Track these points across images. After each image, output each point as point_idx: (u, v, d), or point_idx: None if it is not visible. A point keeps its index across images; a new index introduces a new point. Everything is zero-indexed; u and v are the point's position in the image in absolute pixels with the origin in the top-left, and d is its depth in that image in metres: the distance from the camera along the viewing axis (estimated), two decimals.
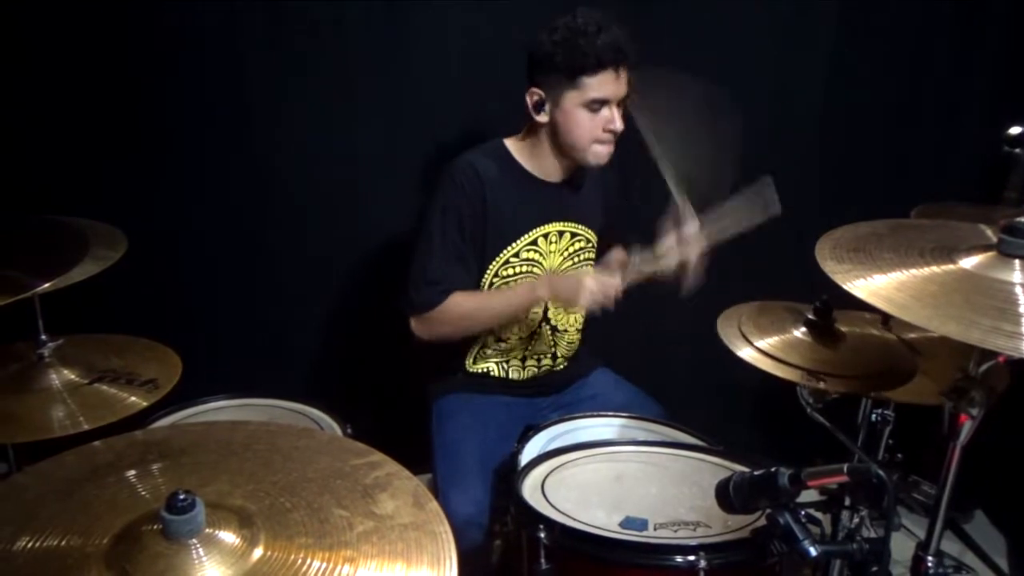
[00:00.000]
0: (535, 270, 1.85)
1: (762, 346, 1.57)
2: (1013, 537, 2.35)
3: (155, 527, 0.82)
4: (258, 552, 0.84)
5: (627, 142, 1.75)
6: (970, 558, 2.18)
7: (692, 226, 1.66)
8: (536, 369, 1.95)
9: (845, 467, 1.16)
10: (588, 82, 1.67)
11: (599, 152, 1.75)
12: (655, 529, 1.37)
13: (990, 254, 1.13)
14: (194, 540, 0.82)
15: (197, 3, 1.96)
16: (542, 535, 1.32)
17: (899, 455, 1.88)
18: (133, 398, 1.50)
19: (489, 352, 1.91)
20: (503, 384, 1.93)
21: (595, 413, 1.81)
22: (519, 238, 1.82)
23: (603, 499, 1.46)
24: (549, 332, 1.93)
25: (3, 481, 0.99)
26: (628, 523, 1.38)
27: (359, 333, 2.33)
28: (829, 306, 1.61)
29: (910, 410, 1.71)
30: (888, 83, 2.41)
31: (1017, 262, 1.10)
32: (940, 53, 2.42)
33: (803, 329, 1.62)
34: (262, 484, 0.94)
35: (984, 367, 1.12)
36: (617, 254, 1.76)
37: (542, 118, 1.75)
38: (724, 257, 2.19)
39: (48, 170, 1.99)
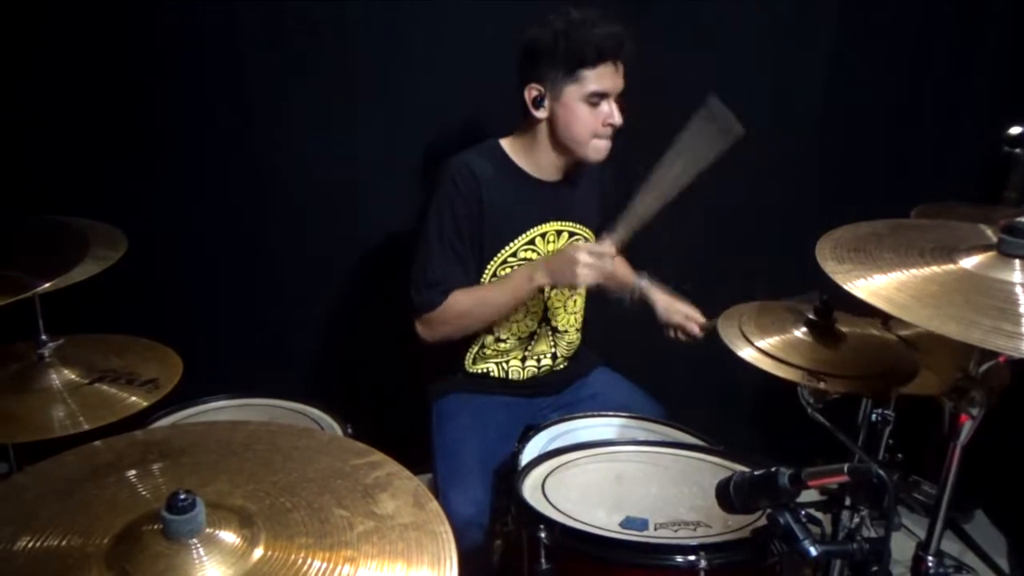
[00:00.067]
0: None
1: (762, 346, 1.57)
2: (1013, 537, 2.35)
3: (155, 527, 0.82)
4: (258, 552, 0.83)
5: (623, 135, 1.76)
6: (970, 558, 2.18)
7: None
8: (536, 369, 1.95)
9: (845, 467, 1.16)
10: (588, 75, 1.68)
11: (599, 147, 1.75)
12: (655, 529, 1.37)
13: (990, 254, 1.13)
14: (194, 540, 0.81)
15: (197, 3, 1.96)
16: (543, 535, 1.32)
17: (899, 455, 1.88)
18: (133, 398, 1.49)
19: (488, 352, 1.91)
20: (503, 384, 1.93)
21: (595, 413, 1.81)
22: (516, 238, 1.82)
23: (603, 499, 1.46)
24: (549, 333, 1.93)
25: (3, 481, 0.99)
26: (628, 523, 1.38)
27: (359, 333, 2.33)
28: (829, 306, 1.61)
29: (910, 410, 1.71)
30: (888, 83, 2.41)
31: (1017, 262, 1.10)
32: (940, 53, 2.42)
33: (803, 329, 1.62)
34: (262, 484, 0.94)
35: (984, 367, 1.12)
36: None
37: (541, 114, 1.75)
38: (724, 257, 2.19)
39: (48, 170, 1.99)
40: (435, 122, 2.17)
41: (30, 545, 0.83)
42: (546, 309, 1.90)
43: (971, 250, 1.15)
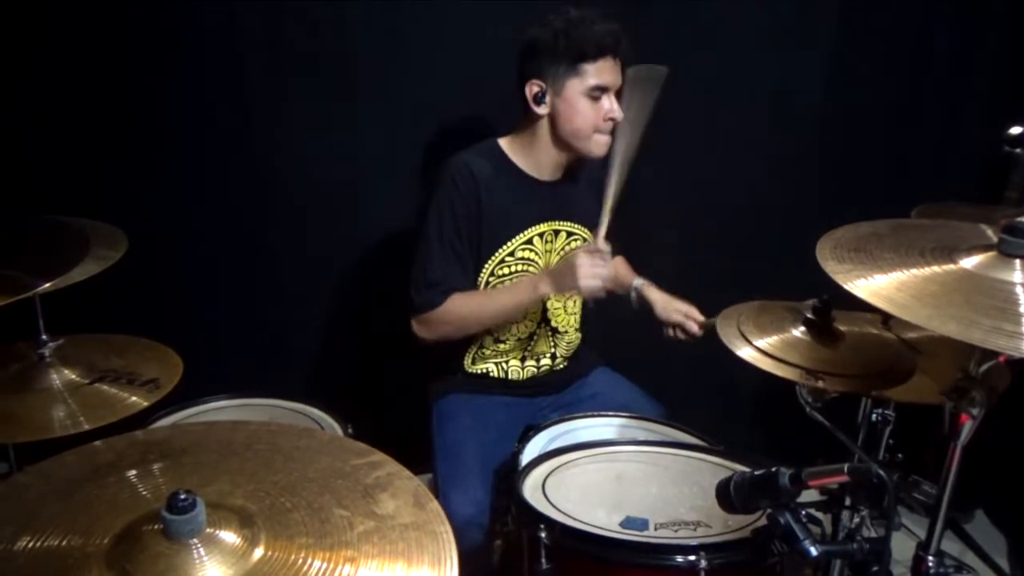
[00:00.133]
0: (530, 269, 1.85)
1: (762, 345, 1.57)
2: (1014, 537, 2.35)
3: (156, 527, 0.82)
4: (259, 552, 0.83)
5: None
6: (971, 558, 2.18)
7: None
8: (536, 369, 1.95)
9: (846, 467, 1.16)
10: (589, 69, 1.69)
11: (600, 141, 1.76)
12: (656, 529, 1.37)
13: (991, 254, 1.13)
14: (195, 540, 0.81)
15: (197, 3, 1.96)
16: (543, 535, 1.32)
17: (899, 455, 1.88)
18: (134, 398, 1.49)
19: (487, 353, 1.91)
20: (503, 384, 1.93)
21: (595, 413, 1.81)
22: (514, 237, 1.82)
23: (604, 499, 1.46)
24: (548, 333, 1.93)
25: (4, 481, 0.99)
26: (629, 523, 1.38)
27: (359, 333, 2.33)
28: (829, 305, 1.61)
29: (910, 410, 1.71)
30: (888, 83, 2.41)
31: (1017, 262, 1.10)
32: (940, 53, 2.42)
33: (802, 329, 1.62)
34: (263, 484, 0.94)
35: (985, 367, 1.12)
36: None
37: (542, 110, 1.75)
38: (724, 257, 2.19)
39: (48, 170, 1.99)
40: (435, 122, 2.17)
41: (30, 545, 0.83)
42: (545, 310, 1.90)
43: (971, 250, 1.15)
